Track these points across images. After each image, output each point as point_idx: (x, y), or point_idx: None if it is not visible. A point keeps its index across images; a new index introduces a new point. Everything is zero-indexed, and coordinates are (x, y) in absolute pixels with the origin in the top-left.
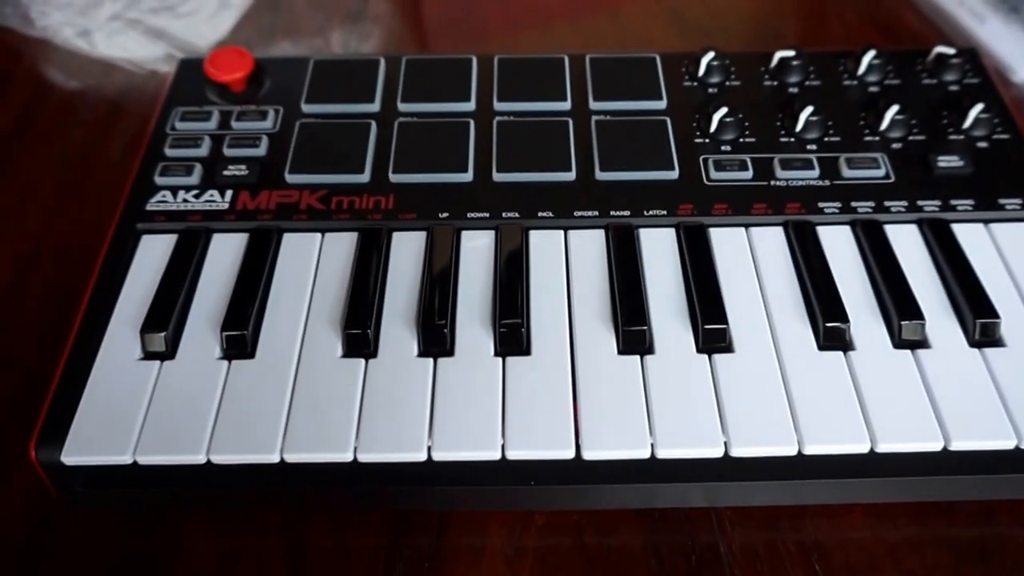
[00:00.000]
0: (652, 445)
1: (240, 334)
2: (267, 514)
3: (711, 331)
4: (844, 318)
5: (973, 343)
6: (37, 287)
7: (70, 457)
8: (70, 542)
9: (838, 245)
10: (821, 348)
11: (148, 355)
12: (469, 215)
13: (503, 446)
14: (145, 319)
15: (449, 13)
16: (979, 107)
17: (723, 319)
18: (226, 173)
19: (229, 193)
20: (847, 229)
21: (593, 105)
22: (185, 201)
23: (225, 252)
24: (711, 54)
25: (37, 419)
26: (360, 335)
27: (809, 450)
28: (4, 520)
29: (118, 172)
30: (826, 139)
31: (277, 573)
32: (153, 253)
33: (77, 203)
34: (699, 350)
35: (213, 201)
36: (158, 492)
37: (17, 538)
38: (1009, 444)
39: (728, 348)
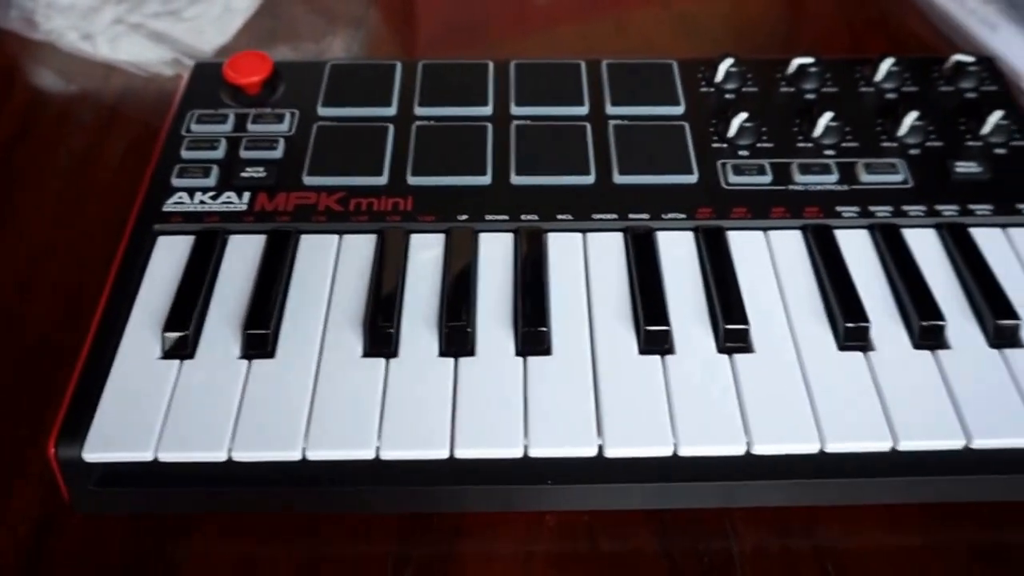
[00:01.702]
0: (674, 443)
1: (263, 333)
2: (279, 520)
3: (732, 331)
4: (864, 318)
5: (993, 344)
6: (45, 288)
7: (91, 454)
8: (77, 545)
9: (856, 249)
10: (841, 348)
11: (168, 354)
12: (488, 217)
13: (526, 443)
14: (166, 319)
15: (450, 19)
16: (999, 114)
17: (744, 319)
18: (243, 175)
19: (247, 195)
20: (865, 233)
21: (610, 110)
22: (202, 202)
23: (243, 253)
24: (730, 60)
25: (54, 420)
26: (383, 334)
27: (831, 448)
28: (11, 522)
29: (121, 175)
30: (844, 144)
31: None
32: (170, 253)
33: (80, 205)
34: (720, 350)
35: (231, 203)
36: (173, 491)
37: (24, 542)
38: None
39: (748, 348)
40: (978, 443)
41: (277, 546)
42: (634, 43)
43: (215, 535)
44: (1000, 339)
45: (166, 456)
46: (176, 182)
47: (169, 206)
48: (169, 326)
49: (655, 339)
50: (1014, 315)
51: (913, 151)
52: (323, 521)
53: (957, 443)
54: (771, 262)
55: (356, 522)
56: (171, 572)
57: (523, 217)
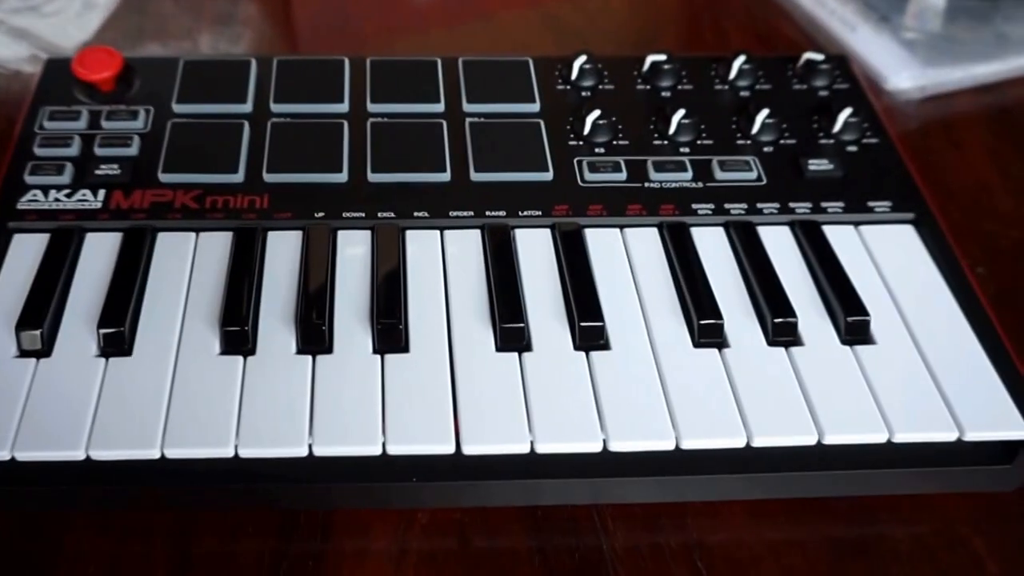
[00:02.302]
0: (531, 440)
1: (117, 331)
2: (152, 516)
3: (587, 328)
4: (718, 315)
5: (844, 340)
6: None
7: None
8: None
9: (712, 246)
10: (696, 345)
11: (23, 352)
12: (345, 215)
13: (384, 441)
14: (20, 316)
15: (322, 18)
16: (848, 111)
17: (599, 316)
18: (98, 172)
19: (102, 192)
20: (720, 230)
21: (467, 107)
22: (57, 200)
23: (99, 251)
24: (583, 57)
25: None
26: (238, 332)
27: (687, 444)
28: None
29: None
30: (699, 142)
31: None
32: (25, 252)
33: None
34: (576, 347)
35: (86, 200)
36: (35, 490)
37: None
38: (881, 438)
39: (605, 345)
40: (830, 439)
41: (150, 544)
42: (505, 43)
43: (87, 533)
44: (851, 336)
45: (23, 455)
46: (30, 180)
47: (23, 204)
48: (23, 324)
49: (511, 336)
50: (864, 312)
51: (767, 149)
52: (198, 518)
53: (810, 439)
54: (627, 259)
55: (231, 519)
56: (43, 571)
57: (380, 215)
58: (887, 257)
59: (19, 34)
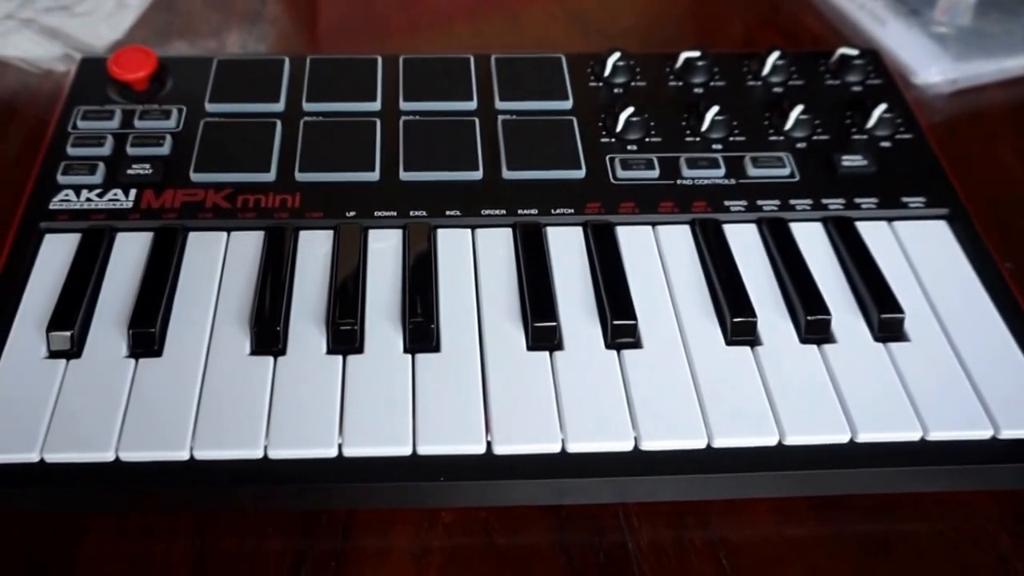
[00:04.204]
0: (563, 440)
1: (148, 331)
2: (175, 518)
3: (619, 327)
4: (751, 313)
5: (878, 338)
6: None
7: None
8: None
9: (744, 243)
10: (728, 343)
11: (54, 354)
12: (376, 214)
13: (414, 441)
14: (51, 318)
15: (347, 15)
16: (882, 107)
17: (632, 315)
18: (130, 172)
19: (133, 192)
20: (753, 227)
21: (499, 105)
22: (89, 200)
23: (130, 251)
24: (617, 54)
25: None
26: (268, 332)
27: (718, 443)
28: None
29: (15, 172)
30: (731, 139)
31: None
32: (57, 252)
33: None
34: (608, 346)
35: (117, 200)
36: (64, 492)
37: None
38: (914, 436)
39: (637, 344)
40: (863, 437)
41: (172, 544)
42: (529, 39)
43: (110, 534)
44: (885, 333)
45: (52, 457)
46: (62, 180)
47: (55, 204)
48: (53, 325)
49: (543, 335)
50: (898, 309)
51: (800, 145)
52: (218, 519)
53: (842, 437)
54: (659, 257)
55: (251, 519)
56: (66, 571)
57: (412, 213)
58: (920, 253)
59: (51, 33)
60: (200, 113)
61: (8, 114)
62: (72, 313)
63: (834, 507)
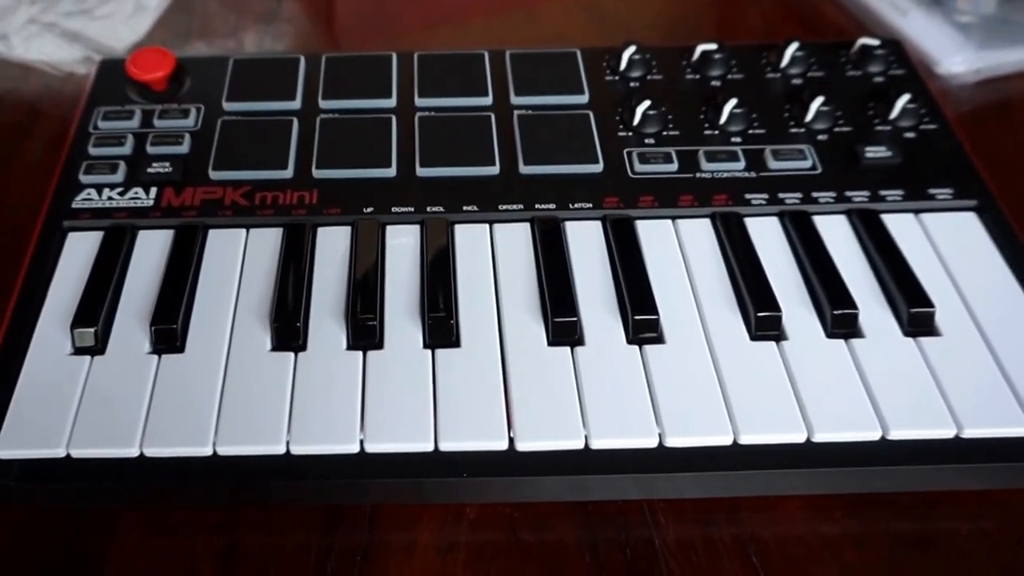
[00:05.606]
0: (586, 436)
1: (170, 328)
2: (200, 512)
3: (641, 321)
4: (776, 307)
5: (907, 332)
6: None
7: (3, 451)
8: (2, 540)
9: (766, 236)
10: (753, 338)
11: (79, 350)
12: (394, 210)
13: (436, 437)
14: (75, 315)
15: (362, 13)
16: (906, 97)
17: (653, 309)
18: (150, 171)
19: (154, 190)
20: (775, 220)
21: (515, 100)
22: (110, 199)
23: (151, 249)
24: (632, 48)
25: None
26: (289, 328)
27: (744, 440)
28: None
29: (39, 173)
30: (751, 131)
31: (207, 572)
32: (80, 250)
33: None
34: (629, 341)
35: (138, 198)
36: (90, 487)
37: None
38: (948, 433)
39: (659, 339)
40: (894, 434)
41: (197, 539)
42: (544, 35)
43: (135, 530)
44: (915, 328)
45: (78, 452)
46: (84, 179)
47: (78, 203)
48: (77, 322)
49: (564, 330)
50: (928, 303)
51: (821, 137)
52: (242, 515)
53: (873, 434)
54: (680, 251)
55: (275, 515)
56: (93, 565)
57: (429, 209)
58: (949, 245)
59: (72, 36)
60: (218, 112)
61: (32, 116)
62: (96, 310)
63: (868, 505)
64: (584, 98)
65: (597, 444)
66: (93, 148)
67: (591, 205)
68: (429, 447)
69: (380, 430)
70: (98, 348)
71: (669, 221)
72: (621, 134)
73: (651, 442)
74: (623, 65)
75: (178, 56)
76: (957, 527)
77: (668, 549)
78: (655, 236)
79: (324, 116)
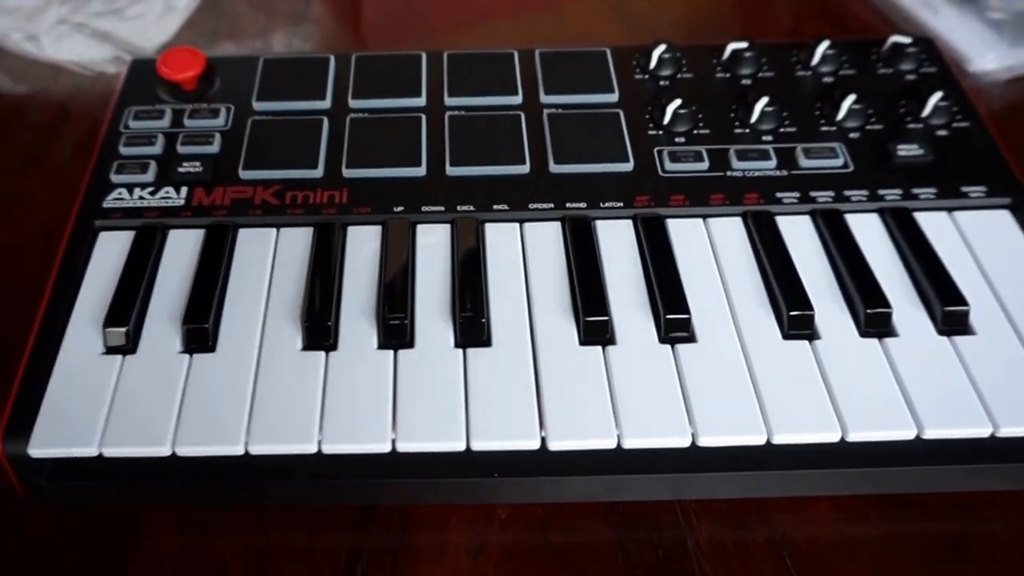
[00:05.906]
0: (618, 436)
1: (201, 327)
2: (230, 512)
3: (673, 320)
4: (809, 306)
5: (942, 331)
6: None
7: (36, 449)
8: (31, 539)
9: (798, 235)
10: (786, 337)
11: (110, 349)
12: (424, 209)
13: (468, 437)
14: (107, 314)
15: (390, 12)
16: (938, 95)
17: (685, 308)
18: (181, 170)
19: (184, 190)
20: (807, 219)
21: (544, 99)
22: (141, 198)
23: (182, 248)
24: (662, 47)
25: (1, 415)
26: (320, 328)
27: (778, 439)
28: None
29: (69, 173)
30: (781, 130)
31: (237, 572)
32: (111, 250)
33: (27, 205)
34: (661, 340)
35: (169, 198)
36: (122, 486)
37: None
38: (984, 432)
39: (691, 338)
40: (930, 433)
41: (226, 539)
42: (572, 34)
43: (165, 529)
44: (949, 326)
45: (110, 451)
46: (115, 178)
47: (109, 202)
48: (109, 322)
49: (595, 330)
50: (963, 301)
51: (853, 135)
52: (271, 515)
53: (908, 433)
54: (711, 249)
55: (305, 515)
56: (122, 565)
57: (459, 208)
58: (983, 243)
59: (103, 37)
60: (248, 111)
61: (63, 116)
62: (127, 309)
63: (903, 506)
64: (614, 97)
65: (629, 444)
66: (124, 148)
67: (622, 204)
68: (461, 446)
69: (412, 429)
70: (129, 347)
71: (700, 220)
72: (651, 133)
73: (684, 442)
74: (653, 64)
75: (208, 56)
76: (993, 529)
77: (700, 550)
78: (686, 235)
79: (354, 115)
